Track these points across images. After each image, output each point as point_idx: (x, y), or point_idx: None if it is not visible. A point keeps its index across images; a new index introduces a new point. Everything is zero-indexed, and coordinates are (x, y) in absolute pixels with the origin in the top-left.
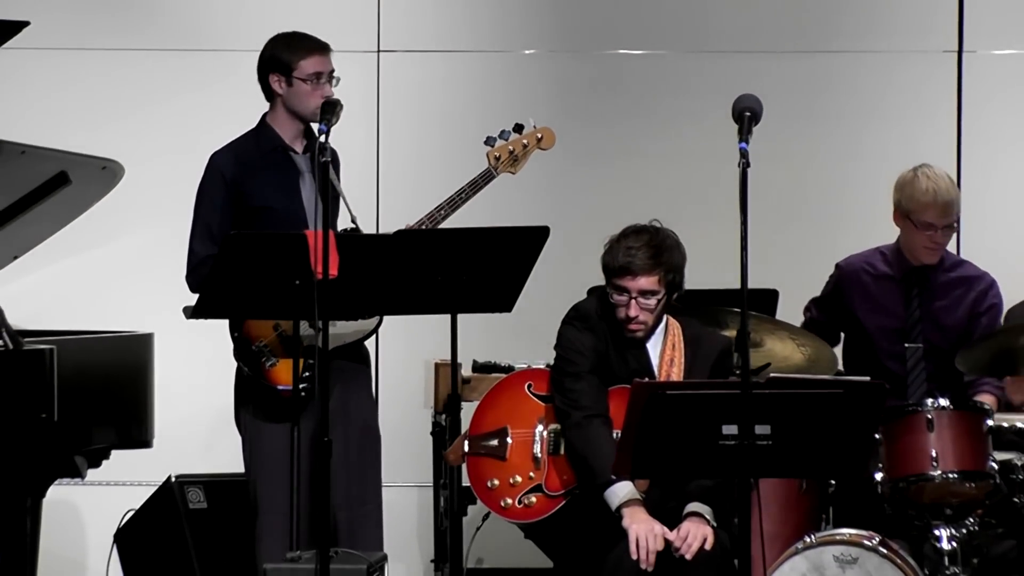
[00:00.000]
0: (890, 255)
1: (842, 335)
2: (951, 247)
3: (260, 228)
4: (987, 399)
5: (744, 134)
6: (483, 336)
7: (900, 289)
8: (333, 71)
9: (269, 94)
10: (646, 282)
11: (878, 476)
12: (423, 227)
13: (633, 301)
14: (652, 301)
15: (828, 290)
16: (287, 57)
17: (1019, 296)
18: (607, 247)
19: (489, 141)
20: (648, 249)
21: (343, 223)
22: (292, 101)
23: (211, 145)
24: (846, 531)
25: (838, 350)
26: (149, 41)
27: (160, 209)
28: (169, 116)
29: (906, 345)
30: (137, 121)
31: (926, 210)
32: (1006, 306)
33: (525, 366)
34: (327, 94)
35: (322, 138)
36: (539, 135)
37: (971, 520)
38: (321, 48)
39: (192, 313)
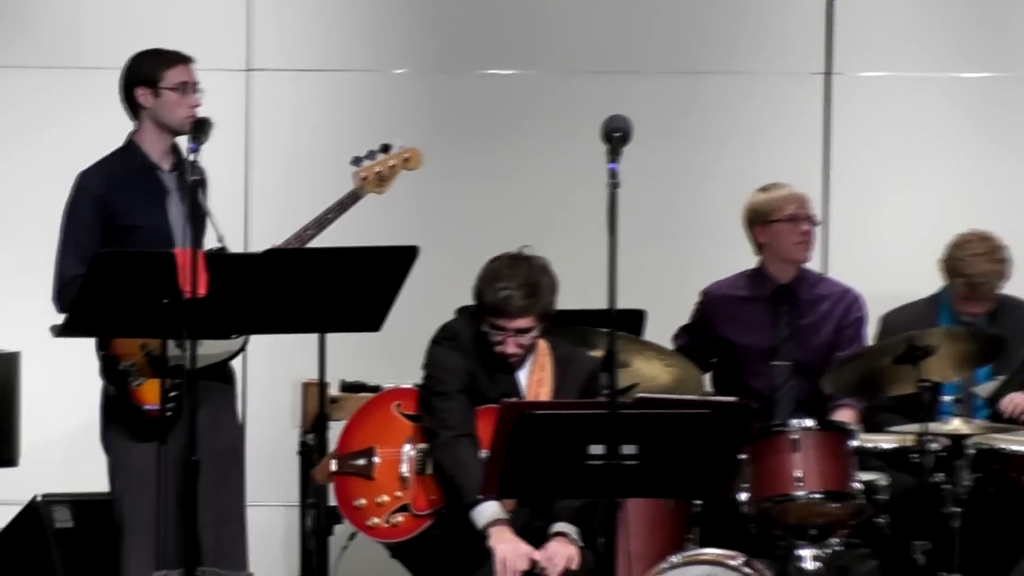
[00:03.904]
0: (754, 276)
1: (712, 359)
2: (815, 265)
3: (127, 247)
4: (847, 415)
5: (614, 154)
6: (351, 355)
7: (768, 308)
8: (198, 83)
9: (135, 111)
10: (522, 322)
11: (743, 496)
12: (291, 246)
13: (510, 338)
14: (527, 337)
15: (697, 317)
16: (152, 70)
17: (885, 307)
18: (481, 279)
19: (356, 161)
20: (523, 290)
21: (210, 242)
22: (160, 112)
23: (78, 164)
24: (711, 551)
25: (708, 374)
26: (15, 58)
27: (26, 228)
28: (35, 135)
29: (773, 364)
30: (2, 140)
31: (787, 205)
32: (877, 315)
33: (393, 385)
34: (194, 104)
35: (192, 157)
36: (406, 155)
37: (835, 540)
38: (184, 59)
39: (60, 332)
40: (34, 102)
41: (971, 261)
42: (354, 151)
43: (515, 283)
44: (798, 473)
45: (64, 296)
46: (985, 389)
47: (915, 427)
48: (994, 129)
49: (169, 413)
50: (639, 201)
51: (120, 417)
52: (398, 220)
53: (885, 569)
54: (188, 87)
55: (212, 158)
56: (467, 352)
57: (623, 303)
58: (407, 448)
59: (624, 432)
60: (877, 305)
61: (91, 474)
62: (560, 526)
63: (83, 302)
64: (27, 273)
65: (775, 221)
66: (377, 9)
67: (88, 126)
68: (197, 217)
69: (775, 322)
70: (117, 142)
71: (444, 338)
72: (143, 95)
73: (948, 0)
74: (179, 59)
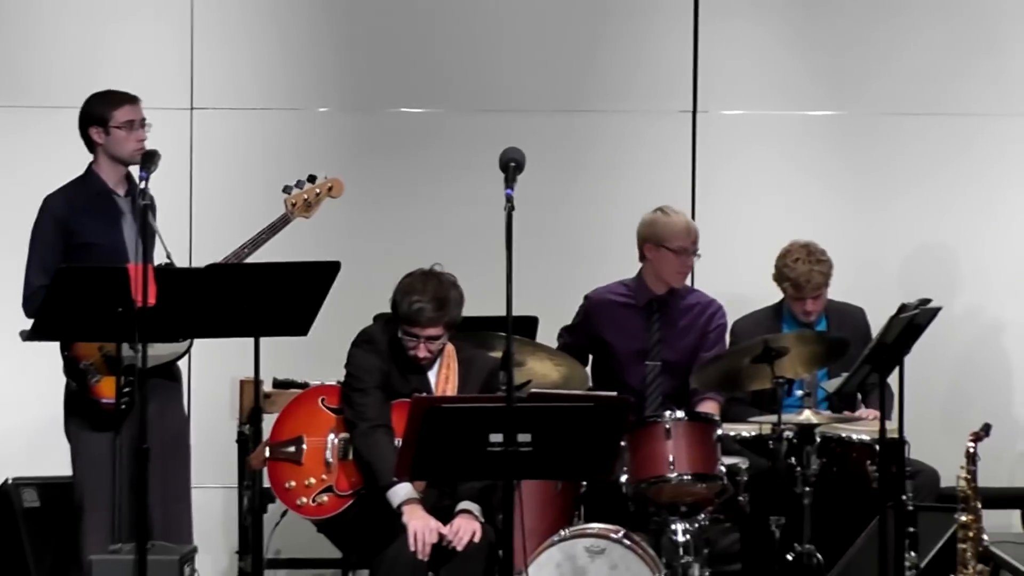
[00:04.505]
0: (632, 286)
1: (590, 356)
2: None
3: (86, 262)
4: (710, 406)
5: (510, 181)
6: (282, 356)
7: (642, 315)
8: (144, 119)
9: (91, 145)
10: (432, 331)
11: (623, 478)
12: (229, 263)
13: (421, 343)
14: (437, 343)
15: (579, 319)
16: (102, 111)
17: (742, 313)
18: (397, 292)
19: (286, 189)
20: (433, 303)
21: (158, 259)
22: (112, 148)
23: (41, 190)
24: (595, 526)
25: (588, 368)
26: None
27: None
28: (5, 168)
29: (646, 363)
30: None
31: (681, 238)
32: (733, 319)
33: (319, 383)
34: (141, 138)
35: (142, 184)
36: (330, 185)
37: (702, 516)
38: (131, 99)
39: (28, 336)
40: (2, 137)
41: (792, 266)
42: (284, 180)
43: (427, 297)
44: (670, 458)
45: (31, 304)
46: (831, 385)
47: (770, 417)
48: (838, 160)
49: (123, 406)
50: (531, 223)
51: (80, 410)
52: (323, 240)
53: (745, 541)
54: (135, 124)
55: (161, 185)
56: (382, 354)
57: (518, 310)
58: (331, 437)
59: (519, 423)
60: (735, 310)
61: (55, 460)
62: (465, 504)
63: (47, 310)
64: None
65: (666, 247)
66: (303, 55)
67: (48, 158)
68: (147, 236)
69: (648, 327)
70: (72, 171)
71: (363, 341)
72: (96, 133)
73: (799, 47)
74: (126, 99)
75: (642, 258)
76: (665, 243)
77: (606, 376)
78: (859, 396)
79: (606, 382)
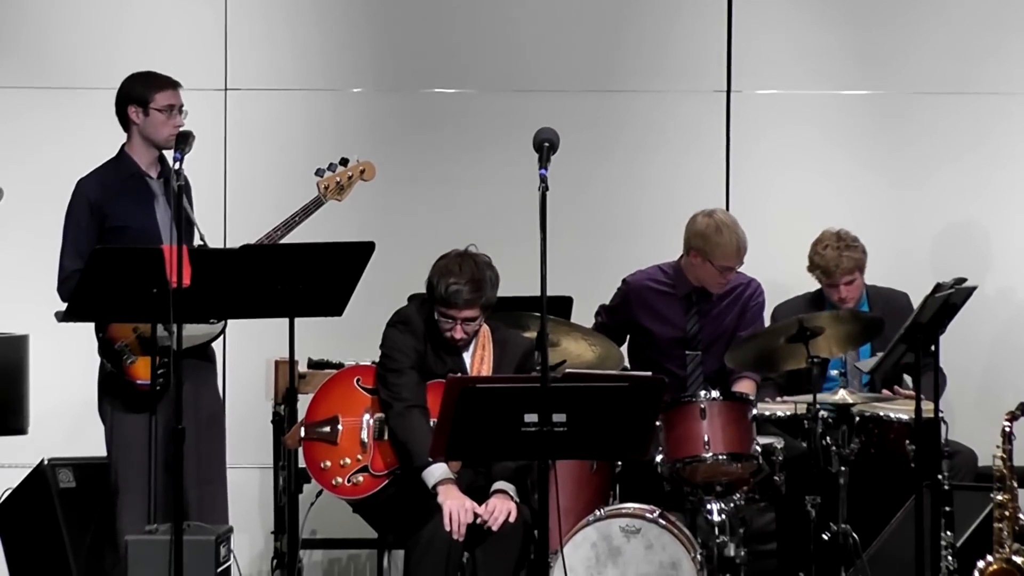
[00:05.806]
0: (671, 273)
1: (627, 336)
2: None
3: (120, 244)
4: (746, 384)
5: (543, 162)
6: (317, 336)
7: (681, 304)
8: (183, 105)
9: (126, 124)
10: (468, 313)
11: (658, 458)
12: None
13: (458, 325)
14: (473, 325)
15: (617, 302)
16: (144, 91)
17: (776, 295)
18: (434, 272)
19: (319, 172)
20: (470, 285)
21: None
22: (147, 130)
23: (75, 173)
24: (631, 505)
25: (624, 349)
26: (15, 79)
27: (33, 228)
28: (39, 147)
29: (687, 352)
30: (13, 152)
31: (730, 258)
32: (771, 306)
33: (354, 363)
34: (178, 124)
35: (176, 165)
36: (362, 168)
37: (738, 496)
38: (174, 84)
39: (63, 317)
40: (37, 118)
41: (822, 253)
42: (318, 161)
43: (463, 279)
44: (705, 438)
45: (66, 287)
46: (867, 364)
47: (806, 397)
48: (872, 140)
49: (158, 387)
50: (566, 203)
51: (115, 391)
52: (358, 220)
53: (781, 521)
54: (174, 110)
55: (194, 166)
56: (418, 334)
57: (553, 291)
58: (367, 417)
59: (554, 403)
60: (768, 291)
61: (91, 440)
62: (500, 484)
63: (82, 292)
64: (34, 267)
65: (712, 264)
66: (337, 36)
67: (82, 139)
68: (181, 218)
69: (687, 316)
70: (106, 152)
71: (398, 322)
72: (134, 112)
73: (832, 26)
74: (169, 84)
75: (685, 253)
76: (712, 260)
77: (644, 360)
78: (907, 378)
79: (644, 365)
